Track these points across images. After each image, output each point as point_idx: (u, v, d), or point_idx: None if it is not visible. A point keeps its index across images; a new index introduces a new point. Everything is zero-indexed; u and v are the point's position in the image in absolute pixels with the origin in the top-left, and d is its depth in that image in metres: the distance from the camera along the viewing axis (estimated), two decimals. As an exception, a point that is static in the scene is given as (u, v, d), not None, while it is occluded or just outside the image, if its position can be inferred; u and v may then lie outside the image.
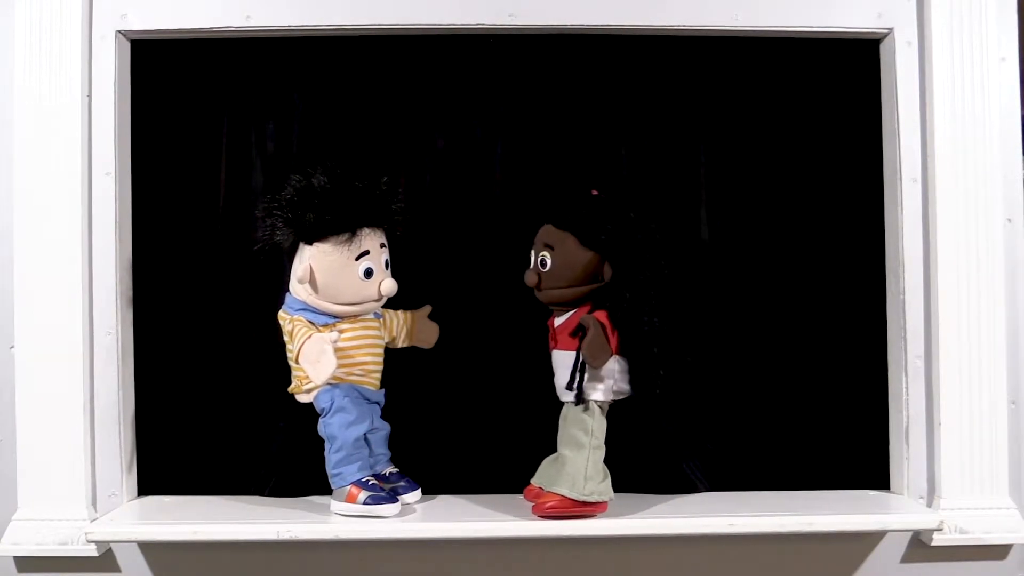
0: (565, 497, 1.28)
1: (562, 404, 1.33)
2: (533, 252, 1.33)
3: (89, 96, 1.40)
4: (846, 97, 1.50)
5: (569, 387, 1.27)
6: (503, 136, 1.50)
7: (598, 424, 1.30)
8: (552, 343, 1.33)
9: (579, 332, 1.27)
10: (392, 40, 1.47)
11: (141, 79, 1.46)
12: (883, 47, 1.47)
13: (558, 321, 1.32)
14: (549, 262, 1.30)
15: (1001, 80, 1.41)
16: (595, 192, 1.32)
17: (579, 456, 1.29)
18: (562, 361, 1.30)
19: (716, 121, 1.51)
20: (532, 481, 1.38)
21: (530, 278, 1.31)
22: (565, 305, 1.31)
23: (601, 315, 1.26)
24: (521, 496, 1.39)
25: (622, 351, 1.28)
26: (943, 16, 1.40)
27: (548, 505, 1.30)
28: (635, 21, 1.43)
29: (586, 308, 1.29)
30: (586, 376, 1.27)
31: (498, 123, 1.50)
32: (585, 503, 1.29)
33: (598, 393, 1.28)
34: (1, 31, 1.40)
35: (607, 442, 1.32)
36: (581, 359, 1.26)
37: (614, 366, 1.29)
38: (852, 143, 1.50)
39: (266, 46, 1.47)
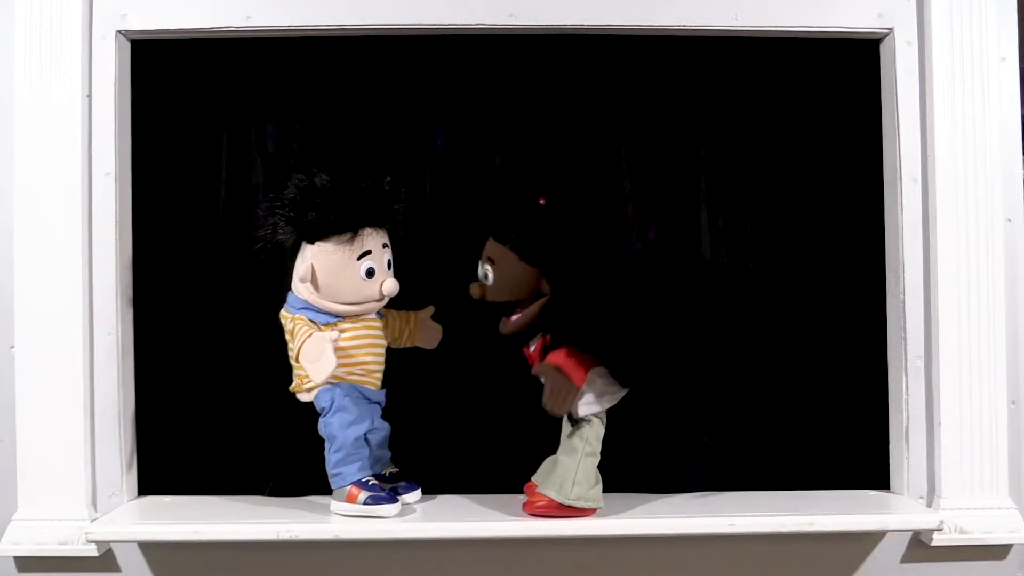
0: (552, 500, 1.31)
1: None
2: (479, 265, 1.33)
3: (89, 96, 1.40)
4: (846, 97, 1.50)
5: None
6: (503, 136, 1.50)
7: (594, 432, 1.31)
8: (532, 369, 1.32)
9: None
10: (392, 40, 1.47)
11: (141, 79, 1.46)
12: (883, 47, 1.47)
13: (532, 347, 1.32)
14: (491, 276, 1.31)
15: (1001, 80, 1.41)
16: (543, 201, 1.31)
17: (571, 461, 1.31)
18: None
19: (716, 121, 1.51)
20: (532, 478, 1.39)
21: (474, 291, 1.33)
22: (527, 333, 1.31)
23: (558, 356, 1.26)
24: (521, 496, 1.39)
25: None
26: (943, 16, 1.40)
27: (538, 504, 1.32)
28: (635, 21, 1.43)
29: (548, 336, 1.29)
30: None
31: (498, 123, 1.50)
32: (571, 507, 1.30)
33: (586, 408, 1.29)
34: (1, 31, 1.40)
35: (607, 443, 1.32)
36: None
37: (594, 377, 1.29)
38: (852, 143, 1.50)
39: (266, 46, 1.47)
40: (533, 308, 1.29)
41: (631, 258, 1.48)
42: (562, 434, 1.34)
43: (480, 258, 1.33)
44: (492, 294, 1.32)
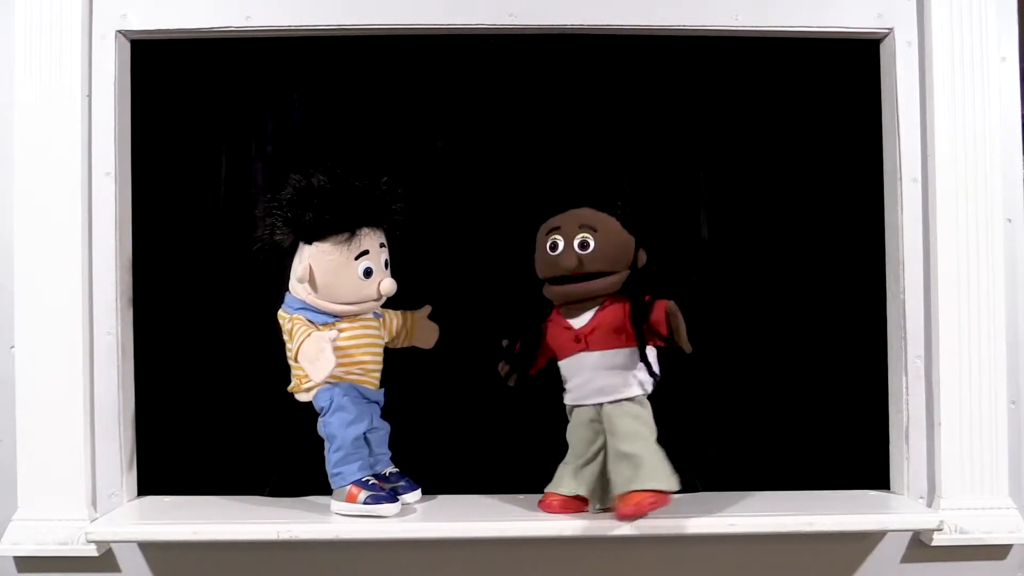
0: (662, 491, 1.23)
1: (564, 407, 1.34)
2: (561, 236, 1.28)
3: (89, 96, 1.40)
4: (846, 97, 1.50)
5: (653, 375, 1.27)
6: (503, 136, 1.50)
7: (650, 414, 1.28)
8: (580, 346, 1.28)
9: (640, 317, 1.24)
10: (392, 40, 1.47)
11: (141, 79, 1.46)
12: (883, 47, 1.47)
13: (580, 323, 1.29)
14: (592, 243, 1.27)
15: (1001, 80, 1.41)
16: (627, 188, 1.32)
17: (650, 447, 1.25)
18: (590, 362, 1.28)
19: (716, 121, 1.51)
20: (579, 491, 1.32)
21: (570, 258, 1.26)
22: (589, 300, 1.28)
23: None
24: (521, 496, 1.40)
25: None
26: (943, 16, 1.40)
27: (648, 502, 1.23)
28: (635, 21, 1.43)
29: (618, 303, 1.28)
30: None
31: (498, 123, 1.50)
32: (672, 493, 1.25)
33: (647, 386, 1.28)
34: (1, 31, 1.40)
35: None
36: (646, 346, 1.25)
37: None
38: (852, 143, 1.50)
39: (266, 46, 1.47)
40: (623, 274, 1.28)
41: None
42: (612, 428, 1.27)
43: (563, 230, 1.29)
44: (591, 263, 1.27)
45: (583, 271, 1.27)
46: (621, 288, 1.29)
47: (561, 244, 1.28)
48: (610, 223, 1.29)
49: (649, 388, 1.29)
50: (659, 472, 1.24)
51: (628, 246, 1.29)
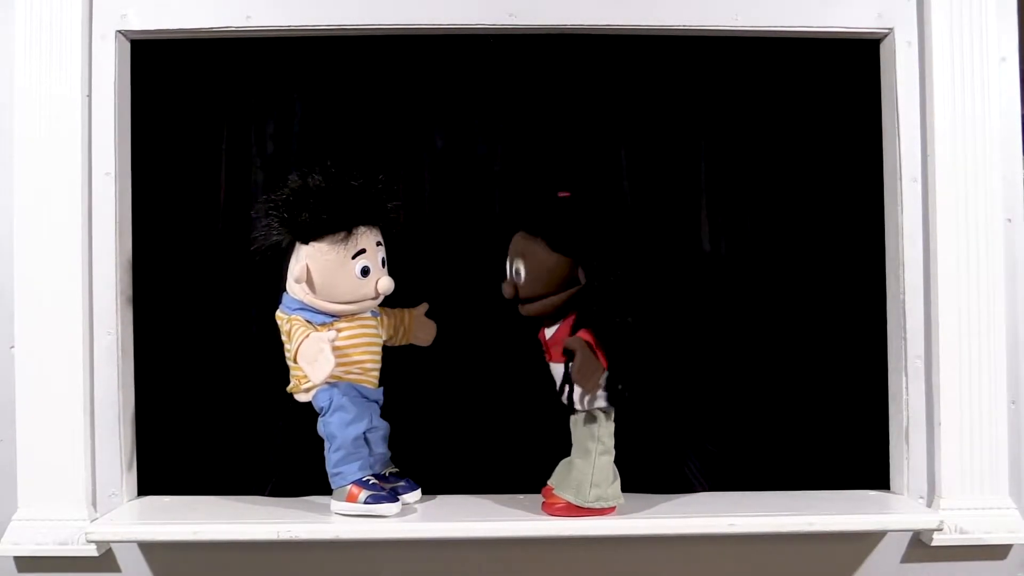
0: (570, 503, 1.31)
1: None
2: (508, 263, 1.32)
3: (89, 96, 1.40)
4: (846, 97, 1.50)
5: (565, 401, 1.28)
6: (502, 136, 1.50)
7: (604, 430, 1.30)
8: (547, 356, 1.32)
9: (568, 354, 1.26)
10: (392, 40, 1.47)
11: (141, 79, 1.46)
12: (883, 47, 1.47)
13: (548, 333, 1.31)
14: (523, 271, 1.29)
15: (1001, 80, 1.41)
16: (564, 194, 1.30)
17: (586, 463, 1.30)
18: (560, 374, 1.30)
19: (716, 121, 1.51)
20: (549, 481, 1.37)
21: (507, 290, 1.31)
22: (549, 318, 1.30)
23: (586, 334, 1.25)
24: (521, 496, 1.41)
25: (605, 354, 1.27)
26: (943, 16, 1.40)
27: (557, 507, 1.32)
28: (635, 21, 1.43)
29: (572, 318, 1.28)
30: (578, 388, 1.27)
31: (497, 123, 1.50)
32: (590, 509, 1.30)
33: (599, 401, 1.28)
34: (1, 31, 1.40)
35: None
36: (568, 373, 1.26)
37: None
38: (852, 143, 1.50)
39: (266, 46, 1.47)
40: (562, 295, 1.27)
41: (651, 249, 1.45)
42: (573, 435, 1.33)
43: (508, 257, 1.32)
44: (525, 290, 1.29)
45: (524, 296, 1.30)
46: (574, 305, 1.28)
47: (508, 270, 1.32)
48: (536, 247, 1.27)
49: (598, 403, 1.29)
50: (581, 486, 1.30)
51: (558, 267, 1.27)
